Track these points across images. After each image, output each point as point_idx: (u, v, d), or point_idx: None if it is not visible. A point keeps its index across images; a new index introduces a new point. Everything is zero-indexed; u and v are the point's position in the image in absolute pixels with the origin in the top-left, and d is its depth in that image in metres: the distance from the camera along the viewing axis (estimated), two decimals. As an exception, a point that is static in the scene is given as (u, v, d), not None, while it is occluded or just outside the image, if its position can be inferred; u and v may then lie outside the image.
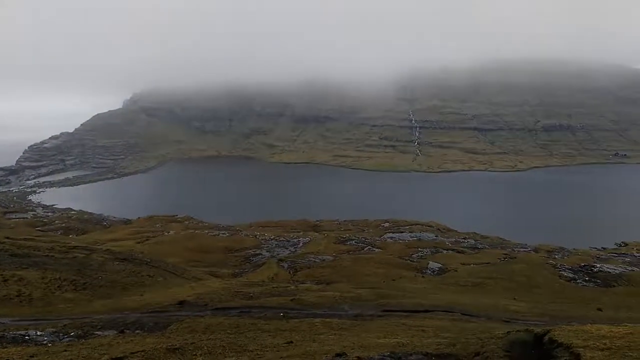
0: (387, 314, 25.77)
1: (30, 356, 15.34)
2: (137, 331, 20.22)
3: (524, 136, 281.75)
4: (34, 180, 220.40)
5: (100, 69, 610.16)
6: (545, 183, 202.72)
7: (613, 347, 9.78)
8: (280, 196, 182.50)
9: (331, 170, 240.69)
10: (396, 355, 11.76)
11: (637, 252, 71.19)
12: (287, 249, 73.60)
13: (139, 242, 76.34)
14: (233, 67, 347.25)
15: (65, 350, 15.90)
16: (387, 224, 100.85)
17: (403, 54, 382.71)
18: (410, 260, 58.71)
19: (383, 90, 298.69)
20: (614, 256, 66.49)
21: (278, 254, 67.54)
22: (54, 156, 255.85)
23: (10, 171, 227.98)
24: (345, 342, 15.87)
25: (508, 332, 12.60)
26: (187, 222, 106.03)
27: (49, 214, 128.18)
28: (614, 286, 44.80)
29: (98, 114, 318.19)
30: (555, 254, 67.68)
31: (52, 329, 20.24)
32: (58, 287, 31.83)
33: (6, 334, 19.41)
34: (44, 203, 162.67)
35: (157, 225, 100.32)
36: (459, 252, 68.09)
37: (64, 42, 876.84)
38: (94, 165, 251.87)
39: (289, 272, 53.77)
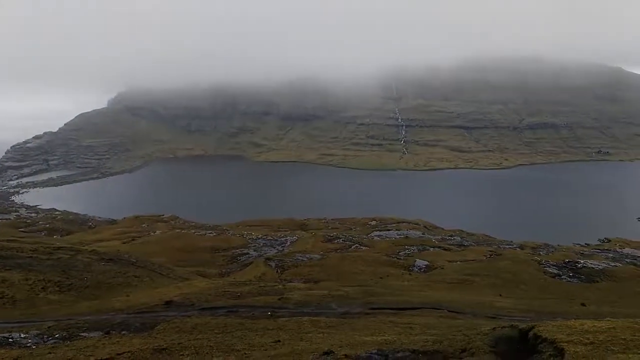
0: (374, 312, 25.82)
1: (15, 359, 15.14)
2: (124, 332, 20.02)
3: (509, 134, 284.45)
4: (17, 181, 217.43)
5: (83, 68, 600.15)
6: (530, 180, 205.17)
7: (596, 341, 9.95)
8: (267, 195, 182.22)
9: (318, 169, 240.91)
10: (383, 353, 11.82)
11: (620, 248, 72.12)
12: (274, 247, 73.27)
13: (125, 243, 75.54)
14: (218, 66, 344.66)
15: (50, 353, 15.72)
16: (374, 222, 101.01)
17: (388, 53, 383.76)
18: (397, 258, 58.80)
19: (369, 88, 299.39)
20: (597, 252, 67.24)
21: (265, 253, 67.17)
22: (37, 156, 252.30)
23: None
24: (333, 340, 15.90)
25: (494, 328, 12.71)
26: (173, 222, 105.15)
27: (33, 214, 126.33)
28: (597, 282, 45.41)
29: (82, 114, 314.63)
30: (540, 251, 68.34)
31: (37, 331, 19.94)
32: (42, 288, 31.39)
33: (-11, 336, 19.10)
34: (28, 204, 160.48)
35: (143, 225, 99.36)
36: (445, 249, 68.31)
37: (46, 40, 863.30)
38: (79, 165, 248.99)
39: (277, 271, 53.51)
